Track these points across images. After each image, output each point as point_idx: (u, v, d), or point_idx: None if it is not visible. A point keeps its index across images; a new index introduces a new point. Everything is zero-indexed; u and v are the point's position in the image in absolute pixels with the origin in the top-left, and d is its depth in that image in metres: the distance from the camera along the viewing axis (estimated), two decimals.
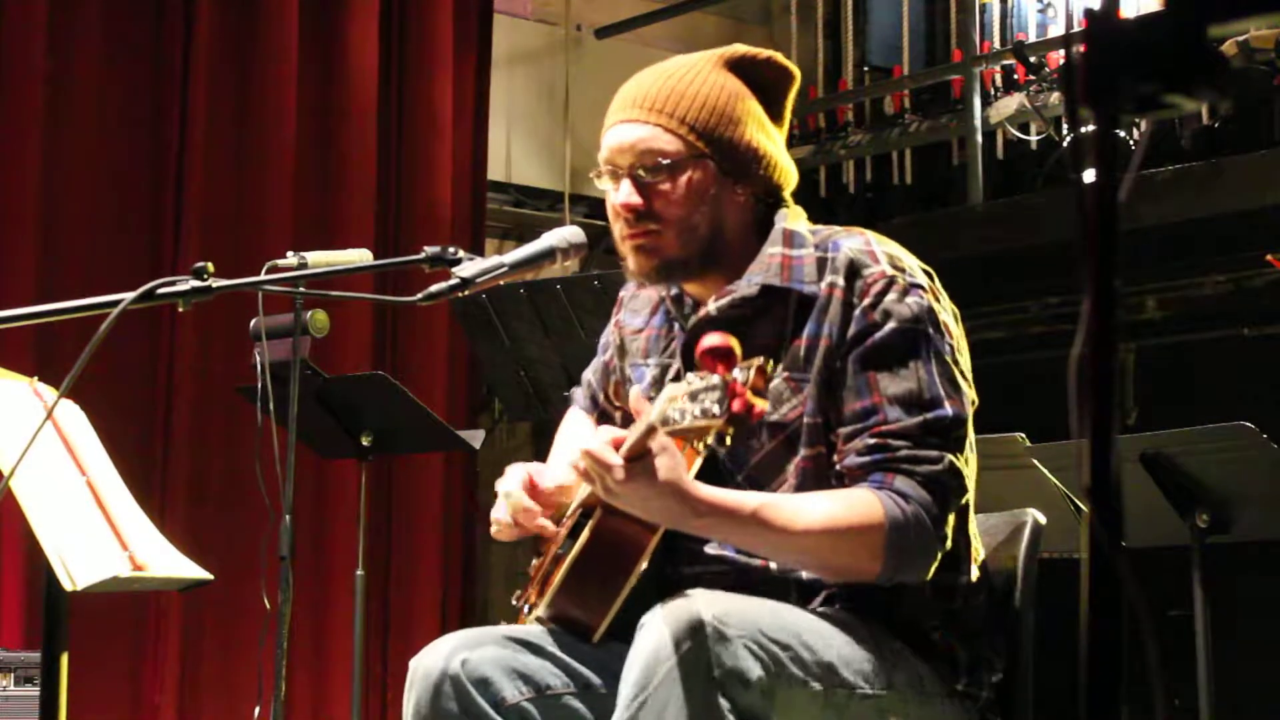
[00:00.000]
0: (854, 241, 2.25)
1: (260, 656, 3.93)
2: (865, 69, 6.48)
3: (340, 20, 5.81)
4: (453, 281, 2.22)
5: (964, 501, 2.20)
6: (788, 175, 2.35)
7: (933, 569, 2.16)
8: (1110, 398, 1.18)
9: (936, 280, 2.27)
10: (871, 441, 2.15)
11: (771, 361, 1.93)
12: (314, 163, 5.72)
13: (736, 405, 1.89)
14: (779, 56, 2.36)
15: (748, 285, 2.27)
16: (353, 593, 4.23)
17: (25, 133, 5.11)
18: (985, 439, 2.35)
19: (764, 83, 2.34)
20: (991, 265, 5.48)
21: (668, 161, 2.25)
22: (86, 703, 4.45)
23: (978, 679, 2.24)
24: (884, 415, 2.15)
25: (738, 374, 1.91)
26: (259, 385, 3.59)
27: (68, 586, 2.66)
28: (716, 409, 1.90)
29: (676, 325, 2.38)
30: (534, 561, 2.43)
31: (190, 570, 2.91)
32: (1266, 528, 3.60)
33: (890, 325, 2.18)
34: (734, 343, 1.93)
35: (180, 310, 2.16)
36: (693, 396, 1.94)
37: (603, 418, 2.55)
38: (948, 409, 2.16)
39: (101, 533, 2.79)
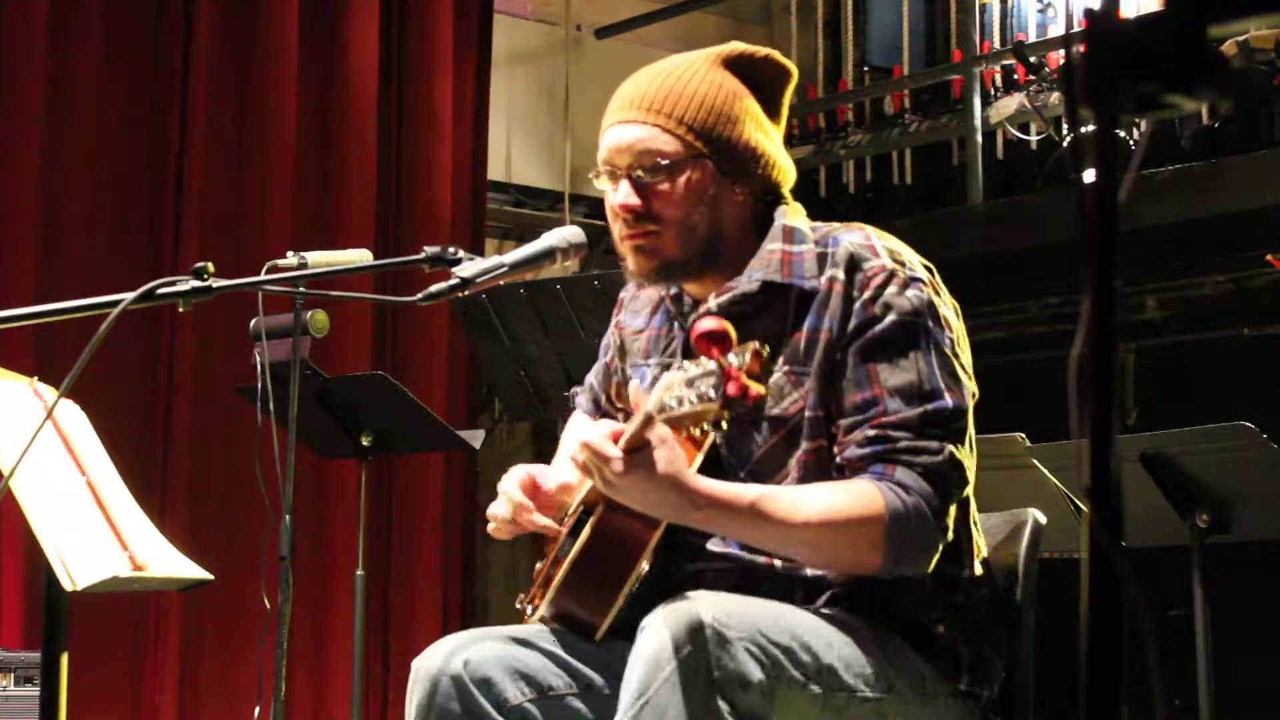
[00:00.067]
0: (854, 236, 2.25)
1: (260, 656, 3.93)
2: (865, 69, 6.48)
3: (340, 20, 5.81)
4: (453, 281, 2.22)
5: (965, 494, 2.20)
6: (786, 173, 2.35)
7: (934, 561, 2.16)
8: (1110, 398, 1.18)
9: (937, 275, 2.27)
10: (872, 433, 2.15)
11: (768, 348, 1.93)
12: (314, 163, 5.72)
13: (732, 389, 1.89)
14: (776, 54, 2.36)
15: (748, 281, 2.27)
16: (353, 593, 4.23)
17: (25, 133, 5.11)
18: (985, 439, 2.35)
19: (761, 81, 2.33)
20: (991, 265, 5.48)
21: (666, 162, 2.25)
22: (86, 703, 4.45)
23: (979, 678, 2.24)
24: (884, 407, 2.15)
25: (733, 358, 1.91)
26: (259, 385, 3.59)
27: (68, 586, 2.66)
28: (712, 393, 1.90)
29: (676, 325, 2.38)
30: (537, 565, 2.43)
31: (190, 570, 2.91)
32: (1266, 528, 3.60)
33: (890, 318, 2.18)
34: (729, 326, 1.94)
35: (180, 310, 2.16)
36: (689, 383, 1.94)
37: None
38: (948, 400, 2.16)
39: (101, 533, 2.79)
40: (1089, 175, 1.19)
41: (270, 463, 3.61)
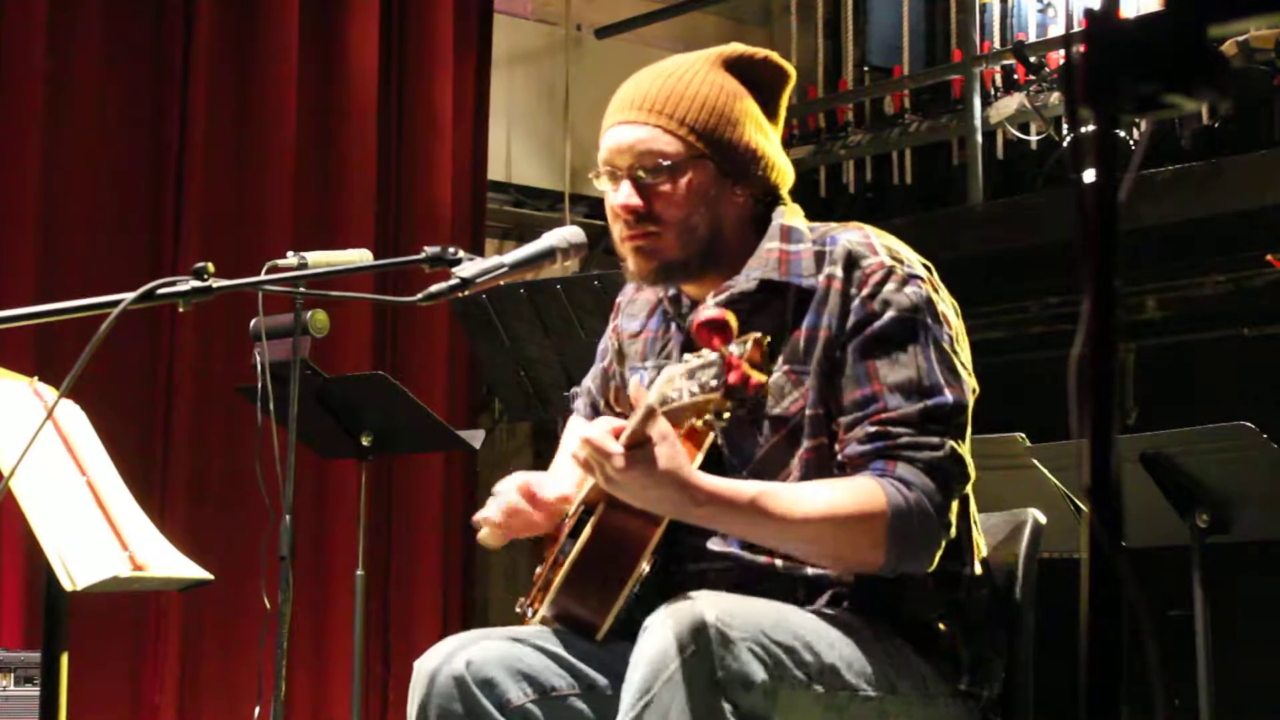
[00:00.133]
0: (852, 235, 2.26)
1: (260, 656, 3.93)
2: (865, 69, 6.48)
3: (340, 20, 5.81)
4: (453, 281, 2.22)
5: (966, 489, 2.20)
6: (785, 175, 2.35)
7: (936, 558, 2.16)
8: (1110, 398, 1.18)
9: (935, 273, 2.28)
10: (872, 429, 2.15)
11: (769, 337, 1.93)
12: (314, 163, 5.72)
13: (733, 377, 1.89)
14: (775, 56, 2.36)
15: (746, 280, 2.27)
16: (353, 593, 4.23)
17: (25, 133, 5.11)
18: (985, 439, 2.35)
19: (760, 82, 2.34)
20: (991, 265, 5.48)
21: (668, 163, 2.25)
22: (86, 703, 4.45)
23: (980, 678, 2.24)
24: (884, 403, 2.15)
25: (734, 348, 1.91)
26: (259, 385, 3.59)
27: (68, 586, 2.66)
28: (714, 383, 1.90)
29: (674, 326, 2.39)
30: (537, 569, 2.43)
31: (190, 570, 2.90)
32: (1266, 528, 3.60)
33: (889, 314, 2.18)
34: (729, 316, 1.94)
35: (180, 310, 2.16)
36: (690, 374, 1.94)
37: None
38: (948, 396, 2.16)
39: (101, 533, 2.79)
40: (1089, 175, 1.19)
41: (270, 463, 3.61)
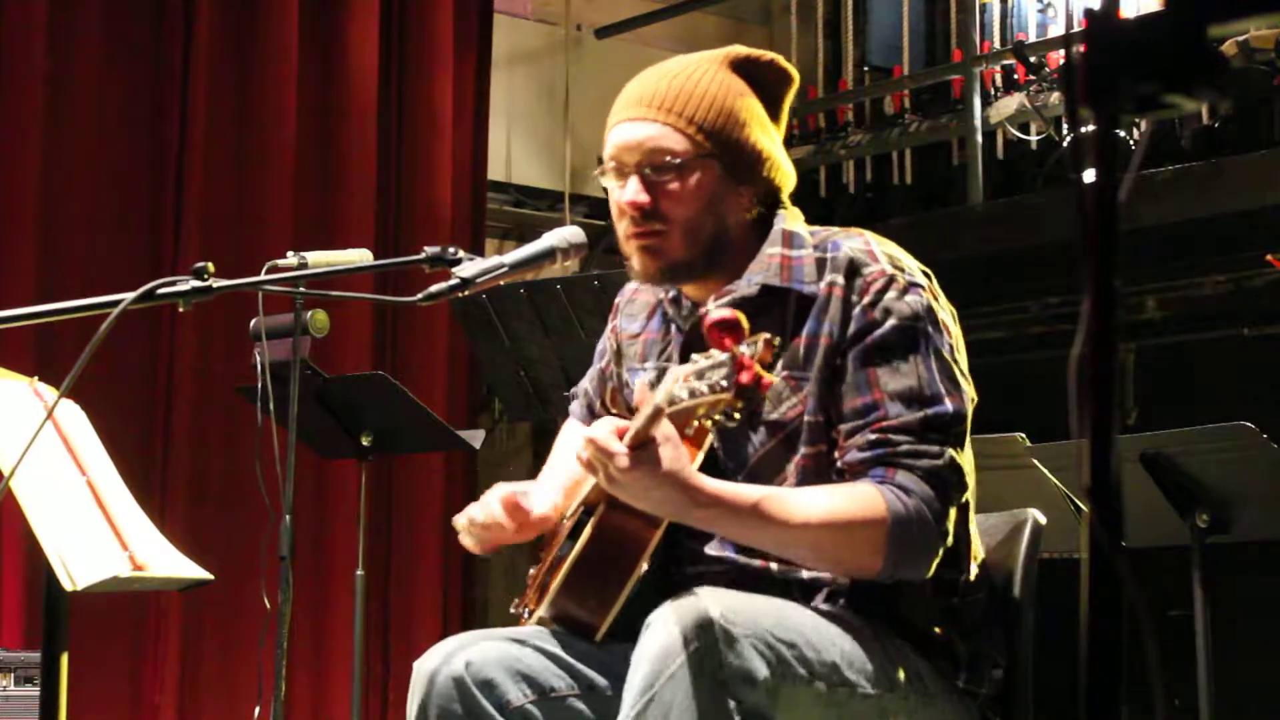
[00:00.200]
0: (853, 242, 2.25)
1: (260, 656, 3.93)
2: (865, 69, 6.48)
3: (340, 20, 5.81)
4: (453, 281, 2.22)
5: (964, 498, 2.20)
6: (787, 177, 2.36)
7: (934, 565, 2.16)
8: (1110, 398, 1.18)
9: (934, 281, 2.28)
10: (873, 437, 2.15)
11: (779, 338, 1.92)
12: (314, 163, 5.72)
13: (745, 377, 1.88)
14: (780, 59, 2.37)
15: (747, 285, 2.27)
16: (353, 593, 4.23)
17: (25, 133, 5.11)
18: (985, 439, 2.36)
19: (765, 84, 2.34)
20: (991, 265, 5.48)
21: (676, 161, 2.24)
22: (86, 703, 4.46)
23: (977, 675, 2.24)
24: (885, 411, 2.15)
25: (744, 348, 1.90)
26: (259, 385, 3.59)
27: (68, 586, 2.66)
28: (725, 383, 1.90)
29: (674, 327, 2.38)
30: (531, 571, 2.43)
31: (190, 570, 2.90)
32: (1266, 528, 3.60)
33: (890, 322, 2.18)
34: (741, 316, 1.93)
35: (180, 310, 2.16)
36: (699, 375, 1.94)
37: None
38: (948, 405, 2.17)
39: (101, 533, 2.79)
40: (1089, 175, 1.19)
41: (270, 463, 3.61)
